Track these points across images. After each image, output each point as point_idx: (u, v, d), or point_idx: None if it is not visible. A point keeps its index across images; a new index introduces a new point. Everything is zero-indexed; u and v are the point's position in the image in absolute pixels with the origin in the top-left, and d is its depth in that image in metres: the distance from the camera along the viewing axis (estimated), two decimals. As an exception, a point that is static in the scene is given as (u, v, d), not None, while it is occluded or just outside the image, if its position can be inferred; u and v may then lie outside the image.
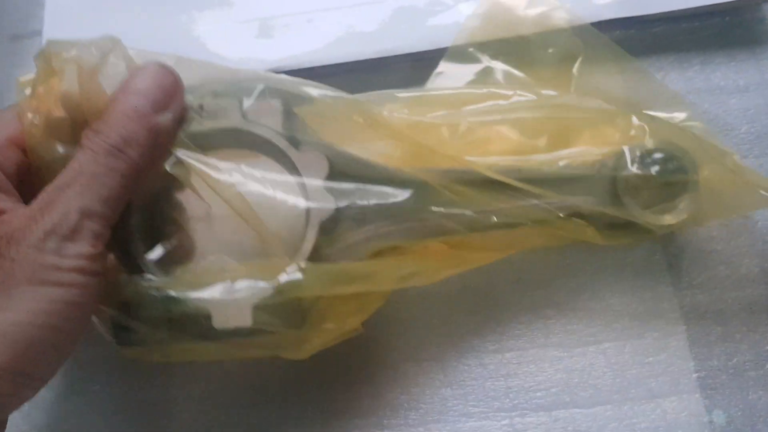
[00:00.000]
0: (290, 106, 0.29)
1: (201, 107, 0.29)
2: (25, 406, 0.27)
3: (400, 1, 0.37)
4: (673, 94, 0.34)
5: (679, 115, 0.33)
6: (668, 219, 0.30)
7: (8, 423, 0.25)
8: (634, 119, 0.31)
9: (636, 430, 0.31)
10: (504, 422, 0.31)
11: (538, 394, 0.31)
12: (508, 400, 0.32)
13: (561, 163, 0.31)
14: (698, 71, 0.36)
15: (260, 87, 0.29)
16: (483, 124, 0.31)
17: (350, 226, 0.29)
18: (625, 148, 0.30)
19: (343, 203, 0.29)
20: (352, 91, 0.33)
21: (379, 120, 0.30)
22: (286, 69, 0.37)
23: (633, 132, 0.31)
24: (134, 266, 0.28)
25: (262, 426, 0.32)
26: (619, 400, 0.31)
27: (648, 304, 0.32)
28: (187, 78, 0.29)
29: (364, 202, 0.29)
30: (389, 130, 0.30)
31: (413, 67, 0.37)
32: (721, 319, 0.32)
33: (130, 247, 0.28)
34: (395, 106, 0.32)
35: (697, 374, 0.31)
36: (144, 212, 0.29)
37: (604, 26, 0.36)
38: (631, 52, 0.36)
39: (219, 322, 0.27)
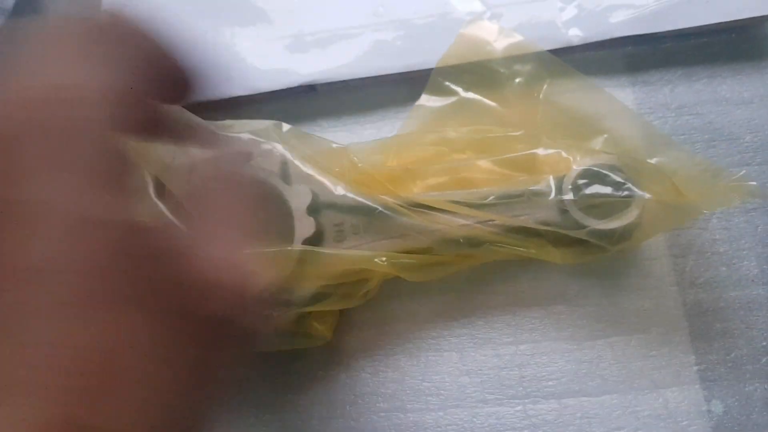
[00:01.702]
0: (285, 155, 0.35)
1: None
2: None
3: (426, 20, 0.40)
4: (629, 112, 0.37)
5: (632, 131, 0.35)
6: (613, 224, 0.32)
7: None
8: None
9: (639, 417, 0.33)
10: (518, 408, 0.34)
11: (550, 383, 0.34)
12: (521, 388, 0.34)
13: (510, 188, 0.34)
14: (705, 84, 0.38)
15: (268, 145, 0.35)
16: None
17: (330, 243, 0.34)
18: (574, 167, 0.33)
19: (323, 224, 0.34)
20: (381, 103, 0.37)
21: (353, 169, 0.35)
22: (319, 81, 0.40)
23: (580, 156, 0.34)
24: None
25: (291, 410, 0.35)
26: (624, 390, 0.33)
27: (653, 302, 0.35)
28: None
29: (341, 223, 0.34)
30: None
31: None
32: (721, 317, 0.34)
33: None
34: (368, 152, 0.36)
35: (697, 367, 0.33)
36: None
37: (617, 43, 0.39)
38: (642, 67, 0.39)
39: None
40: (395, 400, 0.35)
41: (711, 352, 0.34)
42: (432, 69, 0.39)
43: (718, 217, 0.36)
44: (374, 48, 0.40)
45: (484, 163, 0.35)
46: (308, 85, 0.40)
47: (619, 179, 0.32)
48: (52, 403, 0.17)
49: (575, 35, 0.38)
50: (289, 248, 0.33)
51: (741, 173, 0.32)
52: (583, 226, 0.32)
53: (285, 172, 0.35)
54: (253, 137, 0.36)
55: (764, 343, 0.33)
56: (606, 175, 0.33)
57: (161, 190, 0.31)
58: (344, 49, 0.40)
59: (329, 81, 0.40)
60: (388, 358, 0.35)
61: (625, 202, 0.32)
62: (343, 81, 0.40)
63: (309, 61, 0.40)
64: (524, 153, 0.34)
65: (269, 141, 0.35)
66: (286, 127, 0.36)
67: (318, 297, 0.33)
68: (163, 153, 0.34)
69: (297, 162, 0.35)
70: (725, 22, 0.38)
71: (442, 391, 0.35)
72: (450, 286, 0.36)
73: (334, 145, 0.36)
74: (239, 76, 0.41)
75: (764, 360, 0.33)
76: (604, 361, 0.34)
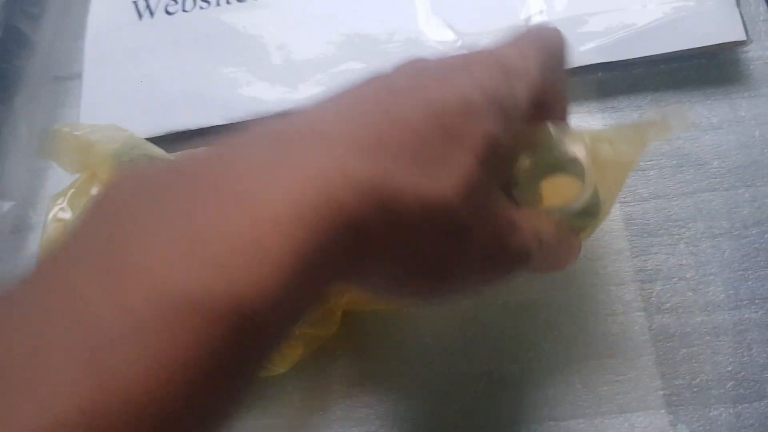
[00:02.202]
0: None
1: None
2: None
3: (399, 47, 0.41)
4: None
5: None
6: (577, 203, 0.31)
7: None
8: None
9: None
10: (487, 433, 0.35)
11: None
12: (491, 412, 0.35)
13: None
14: (674, 111, 0.39)
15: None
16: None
17: None
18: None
19: None
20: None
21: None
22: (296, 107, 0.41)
23: None
24: None
25: None
26: (591, 414, 0.34)
27: (620, 327, 0.35)
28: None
29: None
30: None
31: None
32: (687, 342, 0.34)
33: None
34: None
35: (663, 392, 0.34)
36: None
37: (589, 69, 0.39)
38: (612, 92, 0.39)
39: None
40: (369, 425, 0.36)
41: (677, 377, 0.34)
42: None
43: (686, 242, 0.36)
44: (348, 77, 0.41)
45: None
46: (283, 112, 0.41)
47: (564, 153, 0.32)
48: None
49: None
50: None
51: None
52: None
53: None
54: None
55: (729, 368, 0.34)
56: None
57: None
58: (321, 80, 0.41)
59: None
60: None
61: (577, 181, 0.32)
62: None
63: (288, 91, 0.41)
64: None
65: None
66: None
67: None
68: None
69: None
70: (694, 49, 0.38)
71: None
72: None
73: None
74: (219, 105, 0.42)
75: (729, 385, 0.34)
76: (571, 387, 0.35)
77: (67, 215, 0.36)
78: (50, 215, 0.36)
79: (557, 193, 0.33)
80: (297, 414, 0.36)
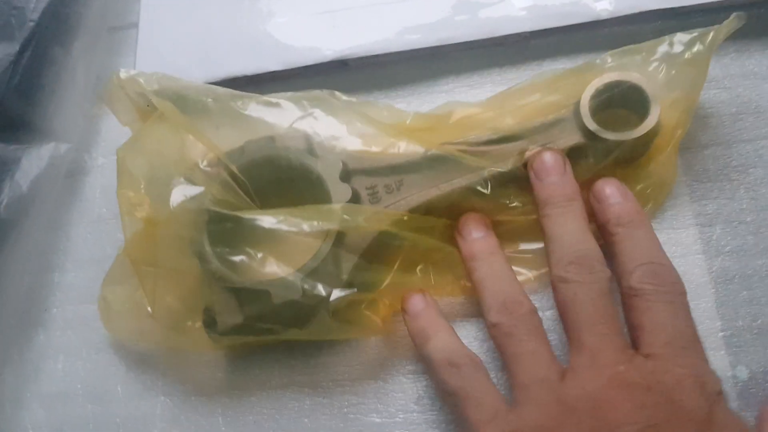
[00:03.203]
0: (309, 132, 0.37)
1: None
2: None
3: (458, -5, 0.41)
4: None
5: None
6: (637, 132, 0.34)
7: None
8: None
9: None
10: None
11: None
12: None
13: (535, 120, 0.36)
14: (733, 58, 0.38)
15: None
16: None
17: (367, 205, 0.35)
18: (587, 88, 0.35)
19: (357, 189, 0.35)
20: (412, 78, 0.38)
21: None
22: (354, 56, 0.41)
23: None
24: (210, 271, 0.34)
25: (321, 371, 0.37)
26: (650, 355, 0.34)
27: (680, 270, 0.34)
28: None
29: (374, 186, 0.36)
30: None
31: (468, 56, 0.41)
32: (747, 284, 0.34)
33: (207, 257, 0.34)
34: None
35: (723, 333, 0.34)
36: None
37: (647, 17, 0.39)
38: (671, 41, 0.39)
39: (277, 298, 0.33)
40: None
41: (737, 319, 0.34)
42: (461, 43, 0.40)
43: (745, 188, 0.36)
44: (405, 24, 0.41)
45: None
46: (340, 60, 0.41)
47: (631, 84, 0.34)
48: None
49: (604, 9, 0.39)
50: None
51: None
52: (605, 140, 0.34)
53: (310, 146, 0.36)
54: (305, 101, 0.37)
55: (790, 311, 0.34)
56: (619, 85, 0.35)
57: None
58: (376, 25, 0.41)
59: (361, 56, 0.41)
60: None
61: (642, 114, 0.34)
62: (375, 56, 0.41)
63: (341, 36, 0.42)
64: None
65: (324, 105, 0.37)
66: (339, 94, 0.38)
67: (359, 271, 0.34)
68: (193, 154, 0.36)
69: (321, 134, 0.37)
70: (754, -2, 0.38)
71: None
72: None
73: (380, 105, 0.39)
74: (274, 51, 0.42)
75: (790, 328, 0.33)
76: (630, 327, 0.34)
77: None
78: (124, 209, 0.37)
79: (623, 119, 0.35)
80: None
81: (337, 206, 0.34)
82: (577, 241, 0.32)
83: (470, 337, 0.36)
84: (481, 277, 0.34)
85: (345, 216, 0.34)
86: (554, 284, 0.32)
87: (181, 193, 0.35)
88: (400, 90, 0.42)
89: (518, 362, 0.31)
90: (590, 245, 0.32)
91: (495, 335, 0.32)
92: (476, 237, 0.35)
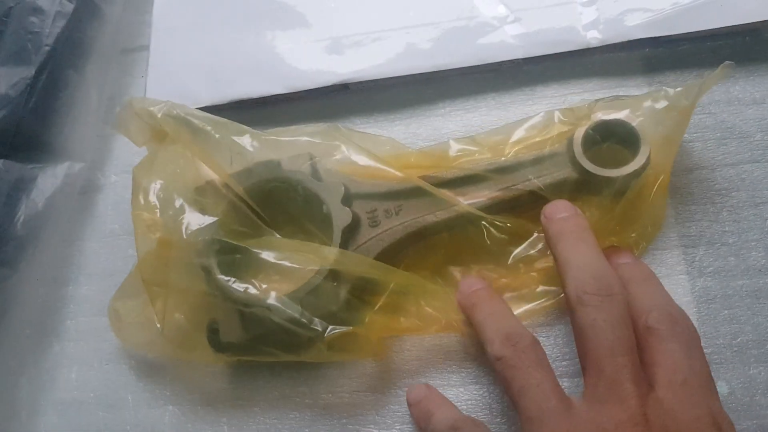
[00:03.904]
0: (314, 156, 0.39)
1: None
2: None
3: (453, 23, 0.43)
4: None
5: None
6: (628, 169, 0.35)
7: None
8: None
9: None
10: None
11: (564, 362, 0.36)
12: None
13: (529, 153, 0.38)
14: (719, 85, 0.40)
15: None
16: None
17: (366, 228, 0.37)
18: (580, 127, 0.36)
19: (358, 213, 0.37)
20: (411, 102, 0.40)
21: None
22: (355, 80, 0.43)
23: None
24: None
25: (322, 382, 0.38)
26: (634, 371, 0.35)
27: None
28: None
29: (373, 210, 0.38)
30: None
31: (464, 81, 0.43)
32: (728, 304, 0.36)
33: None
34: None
35: (704, 350, 0.35)
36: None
37: (635, 45, 0.41)
38: (658, 68, 0.41)
39: (276, 317, 0.35)
40: (419, 376, 0.37)
41: (718, 337, 0.35)
42: (457, 69, 0.41)
43: (728, 210, 0.37)
44: (405, 49, 0.43)
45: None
46: (342, 84, 0.43)
47: (626, 127, 0.36)
48: None
49: (594, 38, 0.40)
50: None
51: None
52: (597, 176, 0.36)
53: (315, 171, 0.38)
54: (310, 139, 0.39)
55: (769, 330, 0.35)
56: (612, 124, 0.37)
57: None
58: (376, 50, 0.43)
59: (362, 80, 0.43)
60: (413, 337, 0.38)
61: (633, 151, 0.36)
62: (375, 80, 0.43)
63: (343, 61, 0.43)
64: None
65: (330, 140, 0.39)
66: (343, 128, 0.40)
67: (349, 305, 0.36)
68: (220, 158, 0.38)
69: (324, 160, 0.39)
70: (739, 25, 0.40)
71: (462, 369, 0.37)
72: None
73: (383, 138, 0.41)
74: (279, 75, 0.44)
75: (768, 345, 0.35)
76: (615, 344, 0.36)
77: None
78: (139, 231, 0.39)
79: (612, 158, 0.36)
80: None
81: (332, 250, 0.36)
82: (594, 264, 0.32)
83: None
84: (481, 317, 0.34)
85: (336, 259, 0.35)
86: (572, 307, 0.31)
87: (194, 220, 0.37)
88: (398, 113, 0.44)
89: (525, 395, 0.30)
90: (607, 268, 0.32)
91: (499, 369, 0.32)
92: (477, 288, 0.36)
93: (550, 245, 0.34)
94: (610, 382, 0.29)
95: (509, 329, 0.33)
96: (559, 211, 0.35)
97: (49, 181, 0.43)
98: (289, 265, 0.36)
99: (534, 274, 0.37)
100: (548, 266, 0.37)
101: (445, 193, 0.37)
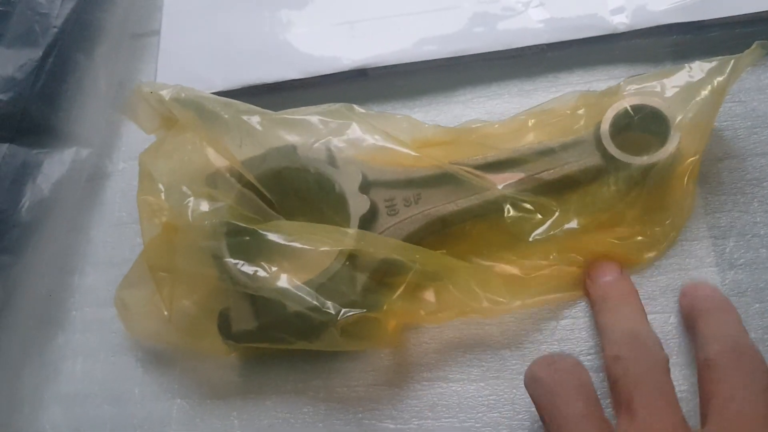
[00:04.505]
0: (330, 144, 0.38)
1: None
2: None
3: (475, 7, 0.41)
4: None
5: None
6: (657, 156, 0.34)
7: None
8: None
9: (679, 391, 0.33)
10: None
11: (589, 357, 0.35)
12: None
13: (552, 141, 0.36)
14: (749, 72, 0.39)
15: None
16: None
17: (384, 217, 0.36)
18: (608, 111, 0.35)
19: (375, 201, 0.36)
20: (430, 88, 0.39)
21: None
22: (372, 66, 0.41)
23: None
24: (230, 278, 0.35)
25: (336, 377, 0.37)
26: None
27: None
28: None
29: (392, 198, 0.36)
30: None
31: (486, 67, 0.42)
32: (760, 297, 0.34)
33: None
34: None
35: (736, 345, 0.34)
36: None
37: (663, 31, 0.40)
38: (687, 55, 0.40)
39: (290, 306, 0.33)
40: (438, 370, 0.36)
41: (749, 331, 0.33)
42: (478, 54, 0.40)
43: (759, 201, 0.36)
44: (425, 34, 0.42)
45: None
46: (359, 69, 0.42)
47: (656, 113, 0.35)
48: None
49: (621, 23, 0.39)
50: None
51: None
52: (625, 164, 0.34)
53: (331, 157, 0.37)
54: (322, 118, 0.38)
55: (803, 324, 0.34)
56: (640, 110, 0.35)
57: None
58: (394, 35, 0.42)
59: (380, 66, 0.42)
60: (433, 329, 0.37)
61: (662, 139, 0.34)
62: (393, 66, 0.42)
63: (361, 46, 0.42)
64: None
65: (343, 119, 0.38)
66: (358, 108, 0.39)
67: (367, 291, 0.35)
68: (230, 142, 0.36)
69: (341, 146, 0.37)
70: (770, 11, 0.38)
71: (483, 363, 0.36)
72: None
73: (399, 117, 0.39)
74: (294, 60, 0.43)
75: (803, 340, 0.34)
76: (643, 337, 0.35)
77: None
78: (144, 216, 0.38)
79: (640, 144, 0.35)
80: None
81: (351, 231, 0.35)
82: (632, 323, 0.32)
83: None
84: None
85: (357, 240, 0.34)
86: (607, 364, 0.31)
87: (201, 203, 0.36)
88: (417, 100, 0.42)
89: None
90: (646, 327, 0.31)
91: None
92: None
93: (592, 308, 0.34)
94: (643, 420, 0.28)
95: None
96: (603, 274, 0.34)
97: (55, 167, 0.42)
98: (306, 247, 0.34)
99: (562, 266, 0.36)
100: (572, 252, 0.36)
101: (473, 173, 0.36)
